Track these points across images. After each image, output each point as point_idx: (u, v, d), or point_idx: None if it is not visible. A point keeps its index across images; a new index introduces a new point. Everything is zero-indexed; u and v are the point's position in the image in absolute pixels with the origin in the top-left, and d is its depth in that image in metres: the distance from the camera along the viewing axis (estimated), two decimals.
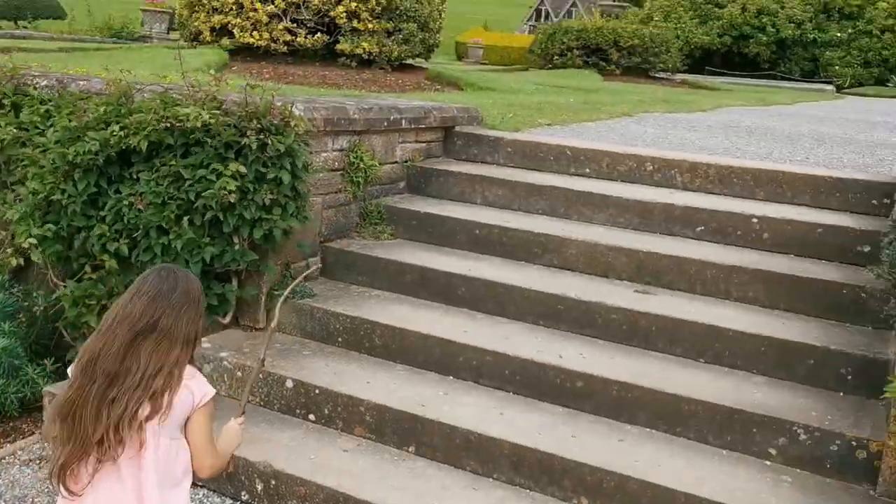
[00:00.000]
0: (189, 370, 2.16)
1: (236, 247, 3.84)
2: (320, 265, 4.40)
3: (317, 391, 3.61)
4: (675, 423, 3.33)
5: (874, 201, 4.36)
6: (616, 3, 28.36)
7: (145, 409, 2.06)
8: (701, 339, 3.66)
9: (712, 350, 3.64)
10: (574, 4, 47.73)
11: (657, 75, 20.87)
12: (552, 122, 6.74)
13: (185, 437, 2.19)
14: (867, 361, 3.33)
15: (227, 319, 4.10)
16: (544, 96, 9.63)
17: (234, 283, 4.02)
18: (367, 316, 3.97)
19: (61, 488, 2.08)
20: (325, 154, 4.34)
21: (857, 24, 34.37)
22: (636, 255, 4.17)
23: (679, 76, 23.03)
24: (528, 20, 49.49)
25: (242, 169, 3.70)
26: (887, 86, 32.18)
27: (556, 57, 20.45)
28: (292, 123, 3.84)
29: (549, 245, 4.37)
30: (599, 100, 9.90)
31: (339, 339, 4.02)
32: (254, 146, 3.72)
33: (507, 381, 3.65)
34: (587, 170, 5.09)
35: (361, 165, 4.55)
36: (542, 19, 46.00)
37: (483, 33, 39.26)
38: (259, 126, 3.76)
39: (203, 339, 3.73)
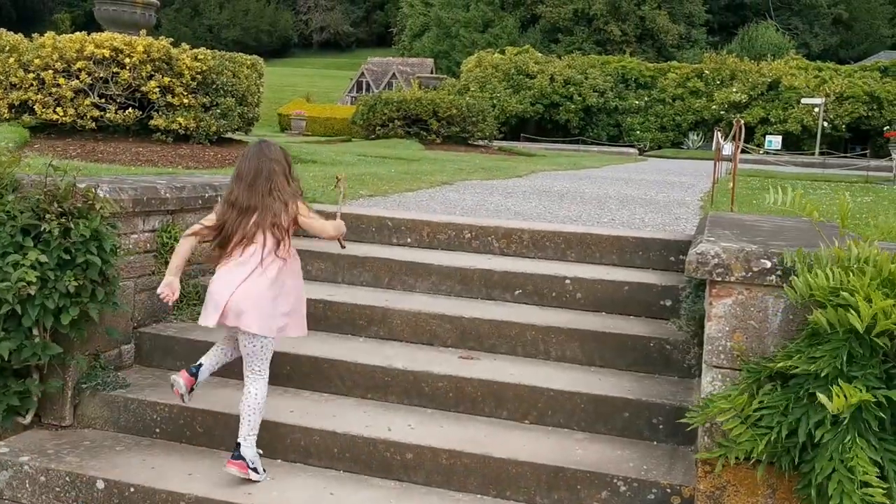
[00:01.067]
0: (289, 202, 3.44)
1: (36, 339, 3.56)
2: (134, 352, 4.15)
3: (132, 490, 3.36)
4: (504, 488, 3.37)
5: (672, 258, 4.70)
6: (433, 76, 29.41)
7: (265, 221, 3.38)
8: (524, 401, 3.76)
9: (536, 410, 3.75)
10: (394, 76, 49.09)
11: (476, 143, 21.72)
12: (374, 193, 6.83)
13: (304, 225, 3.54)
14: (675, 410, 3.54)
15: (29, 419, 3.77)
16: (366, 167, 9.76)
17: (37, 378, 3.72)
18: (186, 402, 3.76)
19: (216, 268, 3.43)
20: (135, 236, 4.15)
21: (652, 92, 37.62)
22: (459, 321, 4.25)
23: (497, 143, 24.12)
24: (349, 91, 50.28)
25: (43, 257, 3.47)
26: (682, 148, 35.24)
27: (378, 127, 20.86)
28: (97, 206, 3.65)
29: (374, 316, 4.37)
30: (420, 169, 10.16)
31: (158, 431, 3.79)
32: (55, 231, 3.50)
33: (336, 459, 3.57)
34: (409, 239, 5.17)
35: (176, 245, 4.37)
36: (364, 91, 46.90)
37: (305, 105, 39.43)
38: (60, 210, 3.55)
39: (1, 442, 3.71)
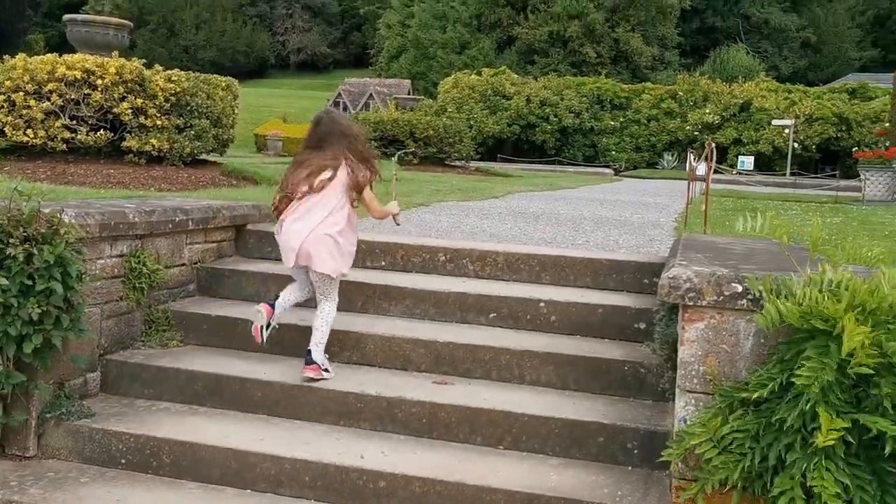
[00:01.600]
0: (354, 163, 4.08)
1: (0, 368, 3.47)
2: (100, 380, 4.07)
3: None
4: None
5: (646, 280, 4.70)
6: (410, 97, 29.51)
7: (326, 175, 4.02)
8: (499, 426, 3.72)
9: (510, 436, 3.71)
10: (371, 97, 49.18)
11: (453, 164, 21.78)
12: None
13: (362, 197, 4.14)
14: (649, 434, 3.52)
15: None
16: None
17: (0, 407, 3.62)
18: (153, 432, 3.70)
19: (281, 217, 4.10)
20: (102, 261, 4.08)
21: (627, 113, 37.97)
22: (433, 345, 4.21)
23: (474, 164, 24.20)
24: None
25: (4, 282, 3.39)
26: (657, 168, 35.56)
27: None
28: (62, 231, 3.59)
29: (347, 341, 4.32)
30: (399, 190, 10.12)
31: (123, 461, 3.70)
32: (19, 257, 3.44)
33: (307, 487, 3.51)
34: (383, 262, 5.14)
35: (145, 270, 4.31)
36: (341, 111, 46.89)
37: (282, 126, 39.37)
38: (24, 235, 3.49)
39: None
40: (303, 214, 4.03)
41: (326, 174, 4.04)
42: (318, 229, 3.99)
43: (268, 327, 4.03)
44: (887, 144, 21.17)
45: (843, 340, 2.55)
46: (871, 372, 2.55)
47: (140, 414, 3.93)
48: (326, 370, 4.02)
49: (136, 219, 4.25)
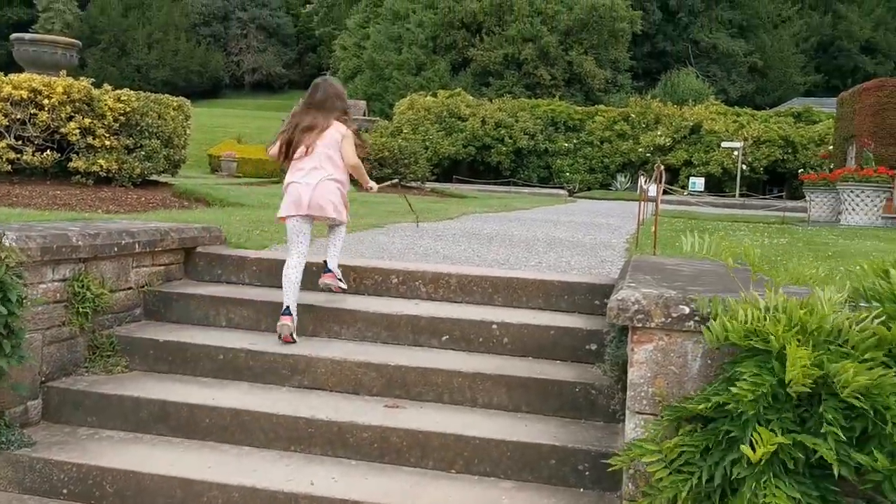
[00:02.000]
0: (338, 124, 4.71)
1: None
2: (41, 408, 3.95)
3: None
4: None
5: (597, 302, 4.74)
6: (366, 118, 29.52)
7: (319, 133, 4.64)
8: (450, 450, 3.70)
9: (462, 459, 3.69)
10: None
11: (409, 185, 21.80)
12: None
13: (341, 153, 4.70)
14: (601, 456, 3.53)
15: None
16: None
17: None
18: (96, 462, 3.60)
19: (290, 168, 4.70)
20: (43, 286, 3.97)
21: (580, 135, 38.48)
22: (385, 369, 4.18)
23: (429, 185, 24.27)
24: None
25: None
26: (610, 189, 36.05)
27: None
28: (2, 255, 3.48)
29: (297, 366, 4.27)
30: (351, 212, 10.08)
31: (65, 492, 3.59)
32: None
33: None
34: None
35: (88, 295, 4.21)
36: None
37: (237, 146, 39.07)
38: None
39: None
40: (309, 171, 4.64)
41: (326, 133, 4.68)
42: (325, 184, 4.63)
43: (342, 281, 4.84)
44: (831, 167, 21.79)
45: (787, 363, 2.59)
46: (809, 391, 2.60)
47: (83, 442, 3.82)
48: (341, 279, 4.80)
49: (79, 242, 4.15)
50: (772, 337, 2.64)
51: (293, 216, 4.63)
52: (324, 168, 4.64)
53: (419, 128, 36.98)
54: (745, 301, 2.85)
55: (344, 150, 4.71)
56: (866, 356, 2.65)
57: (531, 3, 50.73)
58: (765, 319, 2.70)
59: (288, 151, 4.68)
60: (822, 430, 2.57)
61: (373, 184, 5.18)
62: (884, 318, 2.74)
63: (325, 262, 4.75)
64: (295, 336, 4.43)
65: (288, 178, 4.71)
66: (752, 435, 2.64)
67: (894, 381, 2.56)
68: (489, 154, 37.48)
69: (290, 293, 4.51)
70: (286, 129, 4.72)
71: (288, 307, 4.47)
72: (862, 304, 2.89)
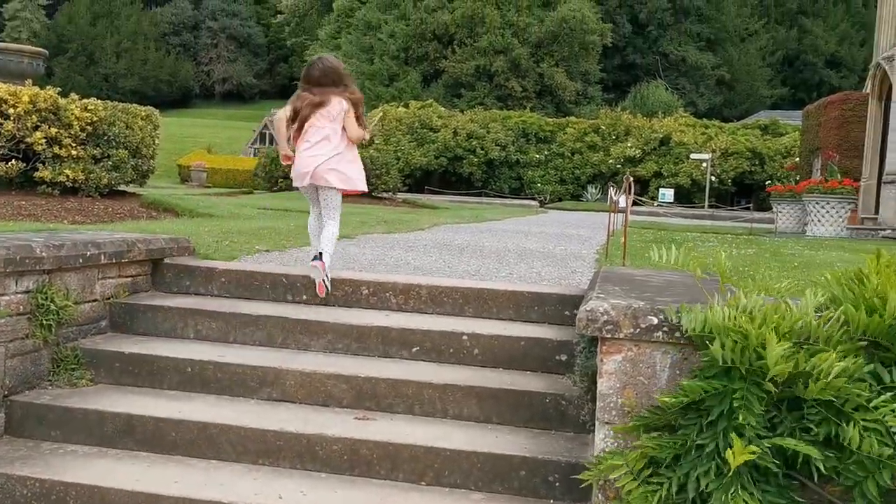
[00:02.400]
0: (338, 98, 5.01)
1: None
2: (4, 422, 3.87)
3: None
4: None
5: (567, 312, 4.74)
6: None
7: (323, 107, 4.98)
8: (421, 462, 3.68)
9: (432, 471, 3.67)
10: None
11: (380, 195, 21.78)
12: (270, 249, 6.69)
13: (344, 124, 5.03)
14: (571, 467, 3.53)
15: None
16: (266, 221, 9.59)
17: None
18: (59, 477, 3.53)
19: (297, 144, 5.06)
20: (6, 297, 3.90)
21: (552, 146, 38.74)
22: (355, 380, 4.15)
23: (401, 196, 24.28)
24: (252, 143, 49.73)
25: None
26: (581, 200, 36.31)
27: (280, 180, 20.68)
28: None
29: (266, 378, 4.23)
30: None
31: None
32: None
33: None
34: (304, 296, 5.06)
35: (53, 307, 4.13)
36: (267, 142, 46.46)
37: (207, 156, 38.81)
38: None
39: None
40: (314, 144, 4.99)
41: (328, 107, 4.99)
42: (327, 153, 4.99)
43: (327, 278, 4.88)
44: (798, 178, 22.14)
45: (767, 356, 2.62)
46: (779, 393, 2.63)
47: (46, 457, 3.75)
48: (327, 275, 4.91)
49: (43, 253, 4.09)
50: (751, 333, 2.67)
51: (302, 186, 5.14)
52: (328, 140, 4.99)
53: (391, 139, 37.01)
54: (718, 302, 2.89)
55: (347, 125, 5.04)
56: (839, 349, 2.69)
57: (503, 15, 51.08)
58: (741, 318, 2.74)
59: (299, 130, 5.04)
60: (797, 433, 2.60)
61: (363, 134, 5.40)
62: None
63: (319, 252, 4.93)
64: (328, 283, 4.86)
65: (297, 151, 5.11)
66: (725, 445, 2.65)
67: (864, 367, 2.60)
68: (461, 165, 37.60)
69: (315, 241, 5.20)
70: (290, 115, 5.08)
71: (319, 253, 4.88)
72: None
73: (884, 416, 2.57)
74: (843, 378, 2.60)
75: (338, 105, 5.01)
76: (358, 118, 5.11)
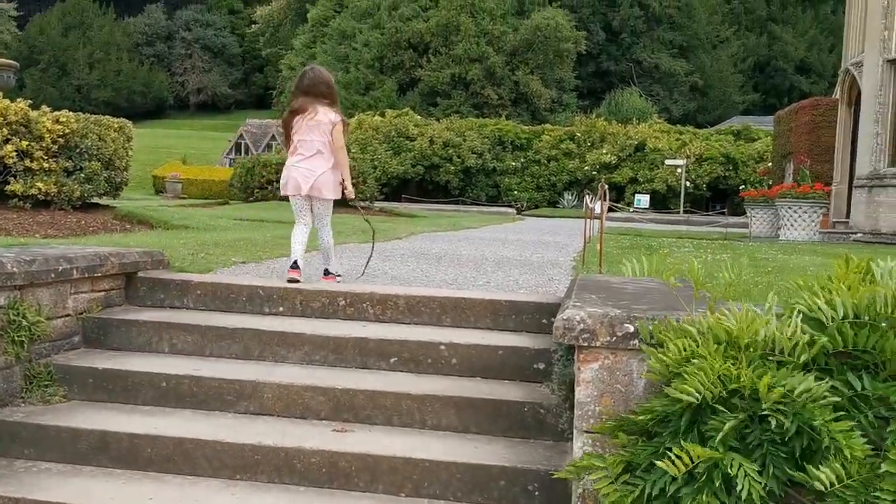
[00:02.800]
0: (332, 111, 5.38)
1: None
2: None
3: None
4: None
5: (545, 321, 4.75)
6: None
7: (315, 118, 5.29)
8: (399, 473, 3.66)
9: (411, 482, 3.65)
10: (273, 138, 48.71)
11: (357, 204, 21.67)
12: (247, 260, 6.65)
13: (331, 137, 5.36)
14: (550, 475, 3.53)
15: None
16: (241, 232, 9.53)
17: None
18: (33, 495, 3.47)
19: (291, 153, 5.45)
20: None
21: (528, 154, 38.88)
22: (333, 392, 4.13)
23: (378, 204, 24.24)
24: (227, 153, 49.49)
25: None
26: (558, 207, 36.44)
27: (256, 190, 20.57)
28: None
29: (243, 391, 4.19)
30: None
31: None
32: None
33: None
34: (281, 308, 5.03)
35: (25, 323, 4.08)
36: (243, 152, 46.27)
37: (182, 167, 38.54)
38: None
39: None
40: (307, 157, 5.37)
41: (316, 117, 5.33)
42: (322, 166, 5.36)
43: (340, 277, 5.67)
44: (770, 183, 22.38)
45: (706, 377, 2.64)
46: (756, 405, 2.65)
47: (19, 475, 3.69)
48: (339, 275, 5.69)
49: (14, 268, 4.03)
50: (705, 361, 2.69)
51: (294, 195, 5.46)
52: (321, 154, 5.37)
53: (367, 147, 36.96)
54: (677, 329, 2.88)
55: (334, 136, 5.38)
56: (800, 360, 2.71)
57: (477, 23, 51.30)
58: (698, 345, 2.75)
59: (288, 136, 5.47)
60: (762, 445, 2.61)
61: (350, 188, 5.62)
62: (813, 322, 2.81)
63: (325, 269, 5.66)
64: (301, 277, 5.21)
65: (288, 160, 5.48)
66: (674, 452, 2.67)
67: (819, 389, 2.61)
68: (438, 173, 37.63)
69: (297, 251, 5.36)
70: (284, 117, 5.50)
71: (295, 261, 5.27)
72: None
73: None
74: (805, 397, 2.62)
75: (326, 119, 5.32)
76: (343, 133, 5.48)
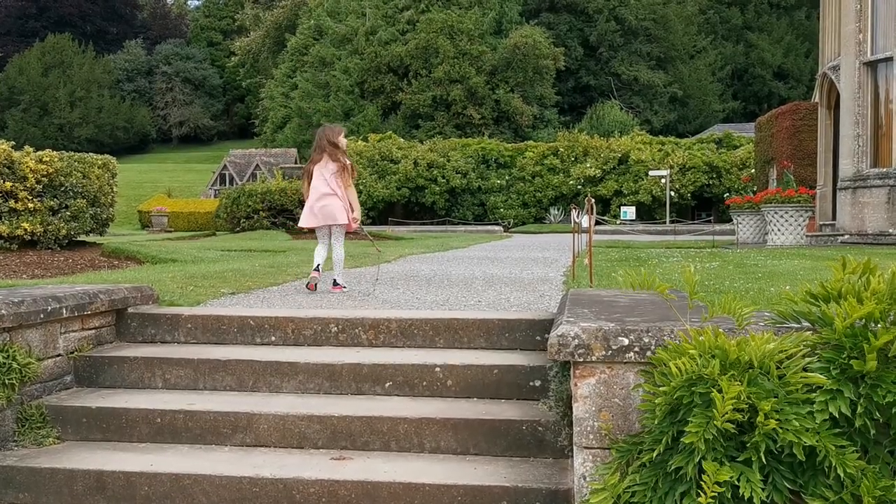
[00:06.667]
0: (336, 160, 7.01)
1: None
2: None
3: None
4: None
5: (538, 337, 4.75)
6: (297, 166, 29.42)
7: (326, 166, 7.02)
8: (401, 499, 3.63)
9: None
10: (258, 167, 48.72)
11: (363, 231, 21.68)
12: (236, 291, 6.62)
13: (339, 180, 7.03)
14: (552, 493, 3.51)
15: None
16: (229, 263, 9.49)
17: None
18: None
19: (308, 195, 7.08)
20: None
21: (512, 171, 39.02)
22: (329, 420, 4.10)
23: (366, 228, 24.17)
24: (212, 185, 49.42)
25: None
26: (544, 222, 36.54)
27: (243, 220, 20.53)
28: None
29: (238, 423, 4.16)
30: (286, 261, 9.98)
31: None
32: None
33: None
34: (273, 338, 5.01)
35: (15, 365, 4.03)
36: (227, 183, 46.23)
37: (167, 200, 38.45)
38: None
39: None
40: (321, 196, 6.89)
41: (325, 165, 6.93)
42: (335, 202, 6.91)
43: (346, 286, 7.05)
44: (755, 189, 22.53)
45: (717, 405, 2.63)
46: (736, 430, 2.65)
47: None
48: (345, 286, 7.04)
49: (2, 311, 3.99)
50: (710, 383, 2.68)
51: (318, 226, 7.05)
52: (335, 193, 6.90)
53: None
54: (677, 352, 2.87)
55: (340, 177, 6.94)
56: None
57: (456, 45, 51.63)
58: (698, 365, 2.74)
59: (308, 182, 7.02)
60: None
61: (358, 215, 7.10)
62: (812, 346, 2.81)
63: (334, 279, 7.01)
64: (318, 286, 6.86)
65: (308, 200, 6.99)
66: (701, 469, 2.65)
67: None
68: (423, 195, 37.69)
69: (318, 260, 6.97)
70: (306, 167, 7.06)
71: (318, 265, 6.92)
72: (792, 326, 2.96)
73: None
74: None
75: (332, 166, 6.93)
76: (350, 174, 7.04)
